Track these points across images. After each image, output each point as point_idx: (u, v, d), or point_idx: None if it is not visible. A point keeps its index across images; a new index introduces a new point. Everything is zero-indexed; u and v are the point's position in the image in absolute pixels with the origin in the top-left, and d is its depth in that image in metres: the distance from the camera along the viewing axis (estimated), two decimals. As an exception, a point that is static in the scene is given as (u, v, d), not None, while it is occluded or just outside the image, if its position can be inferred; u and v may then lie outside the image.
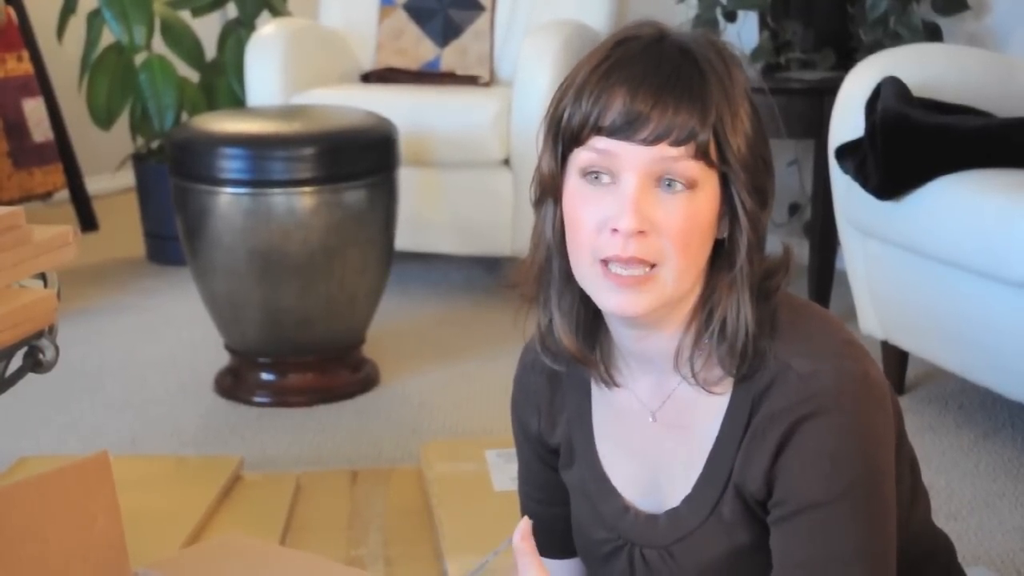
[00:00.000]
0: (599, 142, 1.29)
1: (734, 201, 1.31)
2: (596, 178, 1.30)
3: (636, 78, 1.28)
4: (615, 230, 1.28)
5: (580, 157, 1.31)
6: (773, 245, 1.39)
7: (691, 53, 1.30)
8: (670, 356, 1.37)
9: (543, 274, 1.40)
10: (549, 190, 1.36)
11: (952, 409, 3.05)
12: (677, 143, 1.27)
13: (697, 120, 1.27)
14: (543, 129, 1.35)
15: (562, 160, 1.33)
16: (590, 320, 1.41)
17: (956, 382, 3.13)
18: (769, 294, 1.36)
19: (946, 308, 2.77)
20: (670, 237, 1.28)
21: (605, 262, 1.29)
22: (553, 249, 1.38)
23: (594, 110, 1.29)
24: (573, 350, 1.40)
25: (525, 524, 1.33)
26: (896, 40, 3.50)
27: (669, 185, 1.28)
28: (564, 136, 1.32)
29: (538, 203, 1.38)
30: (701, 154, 1.28)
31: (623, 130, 1.27)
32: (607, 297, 1.31)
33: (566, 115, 1.32)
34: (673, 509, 1.41)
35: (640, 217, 1.27)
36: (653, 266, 1.29)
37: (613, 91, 1.28)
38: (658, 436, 1.42)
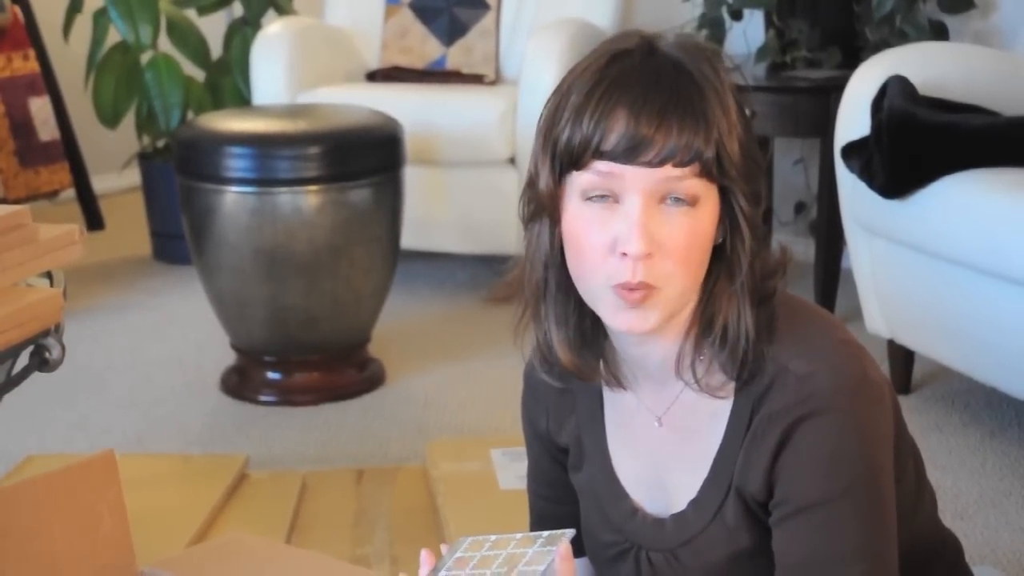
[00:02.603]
0: (601, 165, 1.28)
1: (734, 210, 1.31)
2: (601, 199, 1.29)
3: (638, 100, 1.27)
4: (624, 254, 1.28)
5: (581, 179, 1.30)
6: (775, 244, 1.39)
7: (685, 68, 1.29)
8: (670, 363, 1.38)
9: (538, 290, 1.39)
10: (547, 208, 1.34)
11: (958, 408, 3.04)
12: (682, 164, 1.27)
13: (702, 140, 1.27)
14: (538, 145, 1.34)
15: (559, 179, 1.33)
16: (589, 328, 1.40)
17: (962, 381, 3.13)
18: (767, 297, 1.36)
19: (952, 307, 2.77)
20: (674, 256, 1.28)
21: (618, 286, 1.29)
22: (551, 265, 1.37)
23: (596, 134, 1.28)
24: (570, 364, 1.40)
25: (565, 547, 1.31)
26: (902, 38, 3.49)
27: (675, 201, 1.28)
28: (563, 158, 1.31)
29: (531, 220, 1.37)
30: (705, 172, 1.28)
31: (626, 154, 1.27)
32: (616, 317, 1.31)
33: (565, 136, 1.30)
34: (679, 512, 1.41)
35: (648, 239, 1.27)
36: (657, 288, 1.29)
37: (614, 114, 1.27)
38: (664, 440, 1.42)
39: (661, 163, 1.26)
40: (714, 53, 1.33)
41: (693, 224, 1.28)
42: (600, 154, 1.28)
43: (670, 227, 1.28)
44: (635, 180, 1.27)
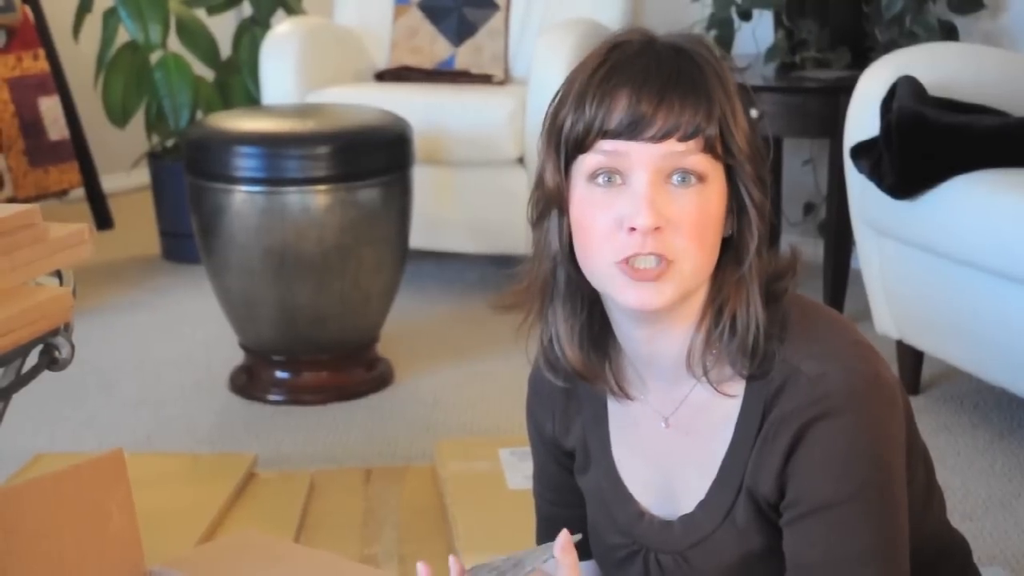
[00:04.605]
0: (606, 144, 1.29)
1: (740, 194, 1.32)
2: (607, 180, 1.30)
3: (638, 78, 1.28)
4: (632, 229, 1.28)
5: (586, 162, 1.31)
6: (785, 245, 1.39)
7: (686, 52, 1.31)
8: (681, 358, 1.37)
9: (546, 288, 1.39)
10: (554, 201, 1.35)
11: (967, 409, 3.04)
12: (685, 138, 1.28)
13: (703, 115, 1.28)
14: (542, 142, 1.35)
15: (565, 169, 1.33)
16: (597, 331, 1.40)
17: (971, 382, 3.13)
18: (777, 296, 1.36)
19: (961, 307, 2.76)
20: (685, 231, 1.28)
21: (624, 261, 1.29)
22: (560, 260, 1.37)
23: (599, 114, 1.29)
24: (577, 363, 1.40)
25: (565, 537, 1.32)
26: (912, 39, 3.49)
27: (682, 180, 1.28)
28: (567, 144, 1.32)
29: (540, 219, 1.37)
30: (709, 148, 1.29)
31: (630, 130, 1.28)
32: (627, 293, 1.30)
33: (568, 123, 1.31)
34: (688, 514, 1.41)
35: (656, 213, 1.27)
36: (671, 261, 1.29)
37: (616, 93, 1.28)
38: (671, 442, 1.42)
39: (664, 137, 1.27)
40: (714, 46, 1.35)
41: (701, 201, 1.29)
42: (604, 133, 1.29)
43: (678, 204, 1.28)
44: (640, 157, 1.28)
